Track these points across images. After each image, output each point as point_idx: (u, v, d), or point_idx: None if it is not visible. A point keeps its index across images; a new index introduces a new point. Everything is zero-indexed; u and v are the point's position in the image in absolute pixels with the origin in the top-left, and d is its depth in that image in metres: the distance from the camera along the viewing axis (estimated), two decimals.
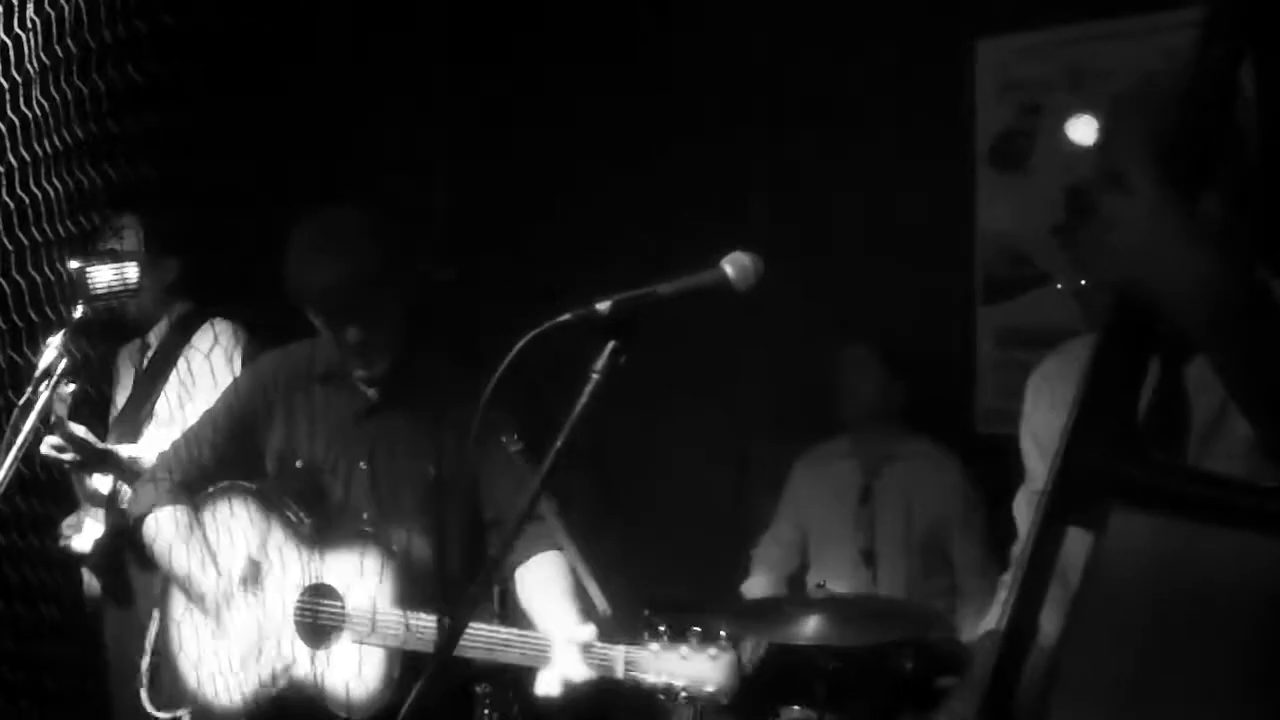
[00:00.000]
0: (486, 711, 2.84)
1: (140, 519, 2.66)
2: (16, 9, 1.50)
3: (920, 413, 3.84)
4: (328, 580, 2.48)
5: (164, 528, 2.61)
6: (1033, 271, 3.87)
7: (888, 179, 3.92)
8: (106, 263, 2.41)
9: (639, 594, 3.80)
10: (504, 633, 2.29)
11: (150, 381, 3.36)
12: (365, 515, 2.55)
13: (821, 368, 3.88)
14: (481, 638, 2.28)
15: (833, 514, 3.84)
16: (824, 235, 4.13)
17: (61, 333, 2.34)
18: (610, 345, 1.67)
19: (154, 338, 3.42)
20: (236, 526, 2.55)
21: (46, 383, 2.31)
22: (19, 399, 2.27)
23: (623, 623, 2.25)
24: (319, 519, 2.56)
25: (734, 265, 1.73)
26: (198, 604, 2.58)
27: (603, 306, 1.67)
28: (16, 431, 2.26)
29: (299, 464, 2.61)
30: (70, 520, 3.36)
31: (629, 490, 4.50)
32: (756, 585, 3.89)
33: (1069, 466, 1.35)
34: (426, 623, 2.35)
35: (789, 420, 4.17)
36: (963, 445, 3.81)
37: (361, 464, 2.57)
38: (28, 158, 1.57)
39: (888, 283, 3.94)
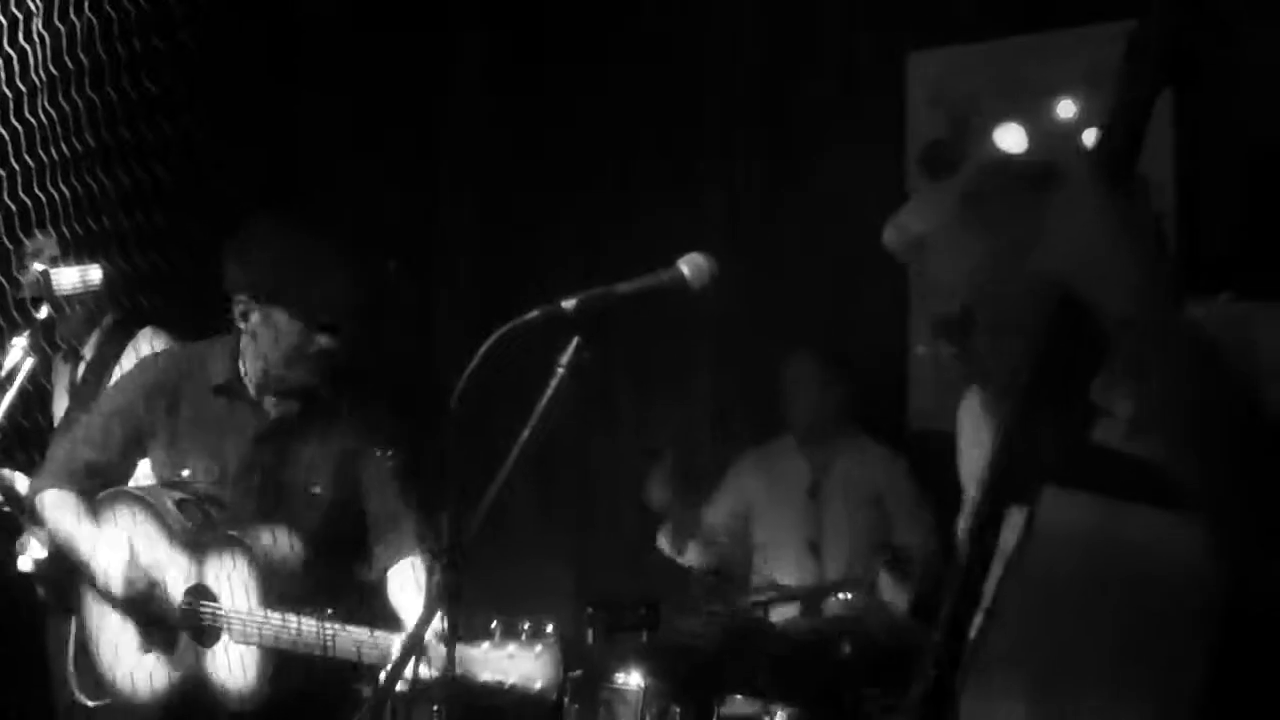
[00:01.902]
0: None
1: (34, 502, 2.71)
2: (22, 22, 1.55)
3: (857, 411, 3.97)
4: (207, 582, 2.56)
5: (58, 510, 2.65)
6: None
7: (826, 186, 4.05)
8: (71, 265, 2.44)
9: (582, 591, 3.90)
10: (355, 633, 2.37)
11: (86, 395, 3.38)
12: (238, 521, 2.60)
13: (763, 370, 4.00)
14: (343, 639, 2.36)
15: (780, 507, 3.94)
16: (764, 239, 4.26)
17: (26, 333, 2.38)
18: (575, 341, 1.77)
19: (87, 351, 3.44)
20: (124, 531, 2.61)
21: (10, 382, 2.35)
22: None
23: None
24: (198, 525, 2.61)
25: (690, 266, 1.84)
26: (96, 588, 2.63)
27: (568, 304, 1.77)
28: None
29: (185, 473, 2.64)
30: (21, 540, 3.40)
31: (571, 490, 4.59)
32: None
33: (1007, 451, 1.44)
34: (299, 623, 2.41)
35: (732, 421, 4.28)
36: (897, 442, 3.95)
37: (256, 478, 2.63)
38: (31, 164, 1.62)
39: (826, 285, 4.07)
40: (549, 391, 1.76)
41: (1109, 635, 1.33)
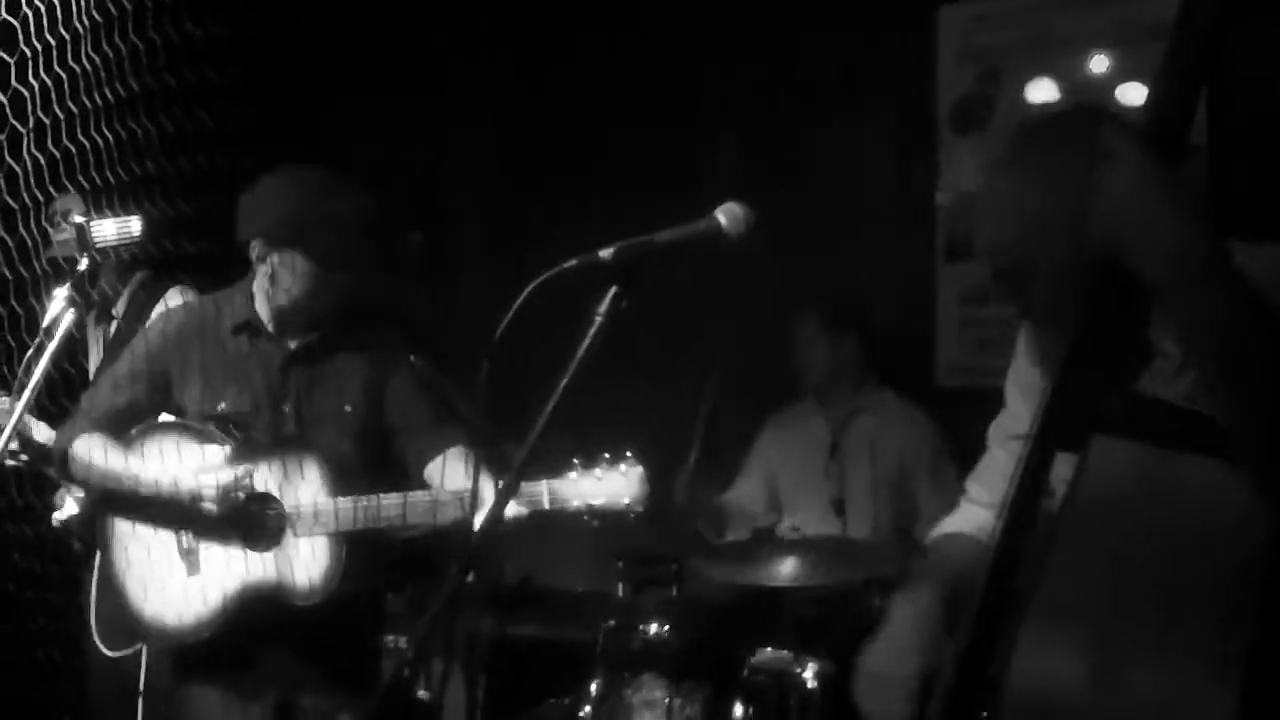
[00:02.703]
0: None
1: (64, 452, 2.72)
2: None
3: (882, 367, 3.98)
4: (262, 489, 2.65)
5: (92, 453, 2.68)
6: None
7: (856, 142, 4.04)
8: (108, 217, 2.47)
9: (609, 543, 3.94)
10: (426, 495, 2.58)
11: (117, 352, 3.42)
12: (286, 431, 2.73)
13: (784, 329, 4.01)
14: (414, 504, 2.56)
15: (803, 468, 3.97)
16: (789, 196, 4.25)
17: (68, 284, 2.41)
18: (612, 290, 1.78)
19: (118, 309, 3.48)
20: (164, 457, 2.66)
21: (53, 334, 2.38)
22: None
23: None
24: (244, 441, 2.70)
25: (727, 215, 1.84)
26: (139, 503, 2.66)
27: (605, 253, 1.78)
28: (28, 377, 2.34)
29: (221, 406, 2.71)
30: (59, 494, 3.45)
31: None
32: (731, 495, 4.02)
33: (1057, 400, 1.46)
34: (373, 499, 2.58)
35: (754, 380, 4.29)
36: (924, 398, 3.96)
37: (285, 407, 2.72)
38: (75, 110, 1.63)
39: (854, 243, 4.07)
40: (586, 340, 1.78)
41: (1157, 590, 1.35)
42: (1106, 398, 1.44)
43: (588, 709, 3.21)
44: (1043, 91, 3.88)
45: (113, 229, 2.47)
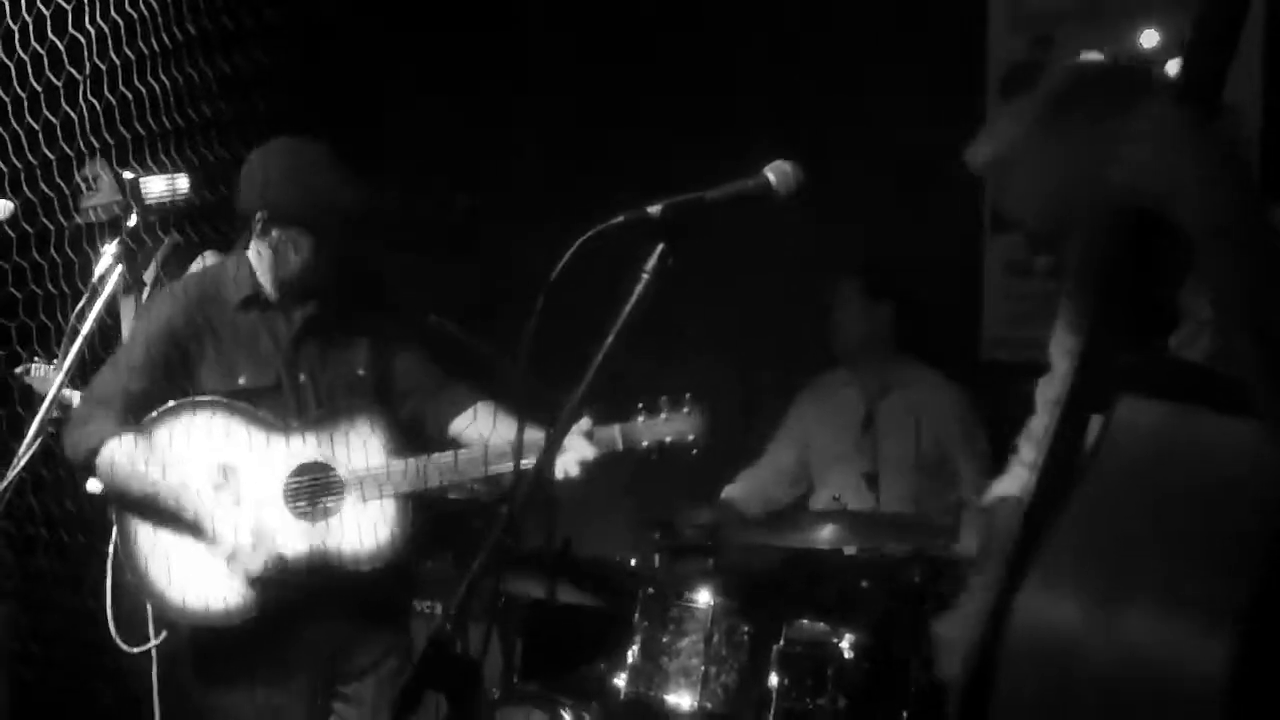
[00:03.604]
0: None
1: (92, 453, 2.64)
2: None
3: (925, 338, 3.94)
4: (314, 458, 2.67)
5: (121, 456, 2.62)
6: None
7: (904, 110, 3.99)
8: (155, 174, 2.48)
9: (645, 519, 3.94)
10: (504, 444, 2.65)
11: None
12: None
13: (825, 298, 3.98)
14: (491, 451, 2.65)
15: (836, 440, 3.95)
16: (833, 165, 4.19)
17: (117, 240, 2.42)
18: (660, 247, 1.77)
19: (148, 276, 3.48)
20: (197, 437, 2.63)
21: (101, 289, 2.39)
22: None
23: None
24: (285, 414, 2.72)
25: (776, 173, 1.83)
26: (177, 522, 2.63)
27: (653, 210, 1.76)
28: (75, 334, 2.35)
29: (241, 381, 2.70)
30: None
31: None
32: (731, 489, 4.00)
33: (1087, 361, 1.47)
34: (426, 459, 2.66)
35: (793, 348, 4.26)
36: (968, 371, 3.92)
37: (302, 378, 2.74)
38: (132, 56, 1.63)
39: (901, 213, 4.02)
40: (633, 297, 1.76)
41: (1168, 540, 1.34)
42: (1133, 356, 1.44)
43: (623, 676, 3.23)
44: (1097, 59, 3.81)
45: (161, 184, 2.47)
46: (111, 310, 2.76)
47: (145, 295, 3.39)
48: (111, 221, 2.59)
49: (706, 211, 1.79)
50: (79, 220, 2.82)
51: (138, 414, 2.66)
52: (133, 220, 2.47)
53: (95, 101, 1.74)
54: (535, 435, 2.24)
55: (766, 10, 4.32)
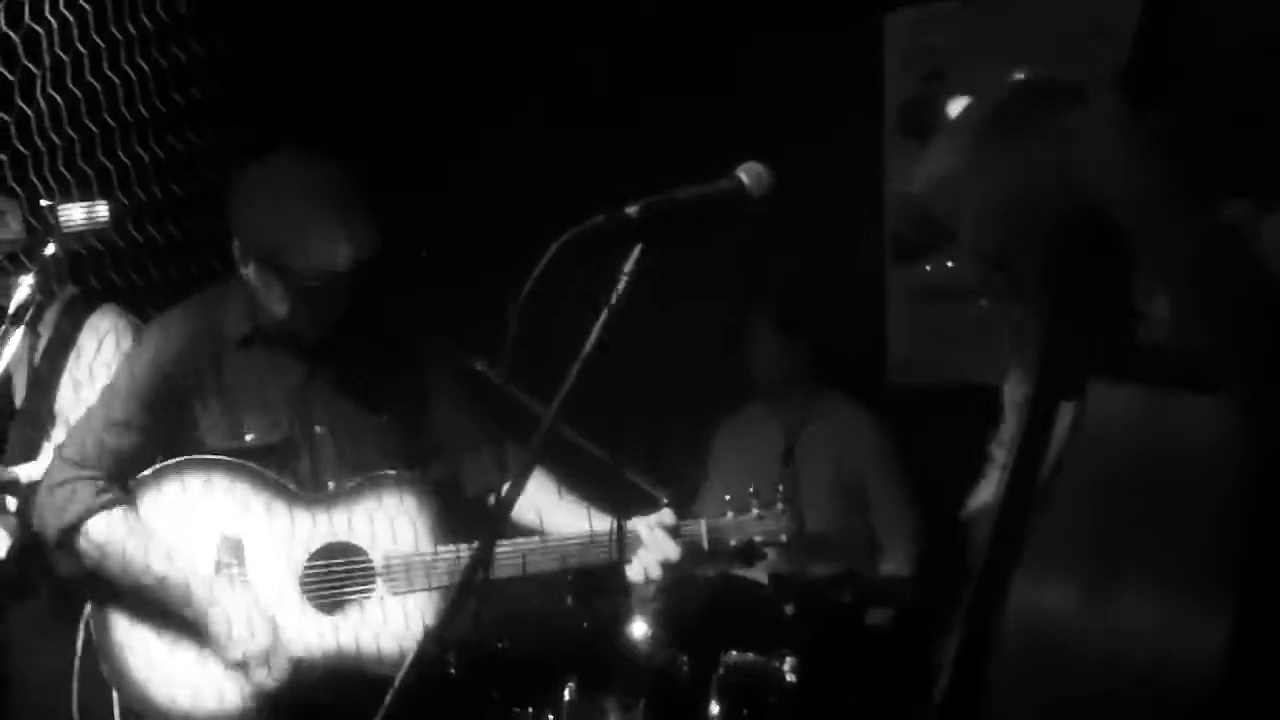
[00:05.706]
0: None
1: (71, 531, 2.29)
2: None
3: (832, 366, 4.00)
4: (343, 538, 2.32)
5: (111, 532, 2.26)
6: (940, 232, 4.07)
7: (803, 148, 4.06)
8: (77, 200, 2.36)
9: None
10: (578, 536, 2.34)
11: (47, 375, 3.21)
12: (334, 475, 2.40)
13: (733, 332, 4.00)
14: (560, 545, 2.33)
15: (756, 475, 3.95)
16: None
17: (33, 272, 2.29)
18: (638, 247, 1.76)
19: (44, 328, 3.29)
20: (197, 508, 2.30)
21: (17, 321, 2.26)
22: None
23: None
24: (297, 482, 2.38)
25: (749, 174, 1.84)
26: (175, 617, 2.30)
27: (631, 210, 1.76)
28: None
29: (249, 438, 2.38)
30: None
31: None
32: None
33: (1052, 350, 1.48)
34: (464, 549, 2.29)
35: (704, 384, 4.27)
36: (876, 395, 3.98)
37: (318, 428, 2.41)
38: (119, 37, 1.55)
39: (803, 244, 4.09)
40: (612, 299, 1.75)
41: (1152, 520, 1.36)
42: (1097, 342, 1.47)
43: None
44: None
45: (80, 213, 2.35)
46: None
47: (41, 348, 3.18)
48: (25, 251, 2.44)
49: (685, 212, 1.79)
50: None
51: (123, 476, 2.32)
52: (50, 249, 2.33)
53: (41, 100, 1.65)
54: (604, 525, 2.14)
55: (662, 47, 4.38)
